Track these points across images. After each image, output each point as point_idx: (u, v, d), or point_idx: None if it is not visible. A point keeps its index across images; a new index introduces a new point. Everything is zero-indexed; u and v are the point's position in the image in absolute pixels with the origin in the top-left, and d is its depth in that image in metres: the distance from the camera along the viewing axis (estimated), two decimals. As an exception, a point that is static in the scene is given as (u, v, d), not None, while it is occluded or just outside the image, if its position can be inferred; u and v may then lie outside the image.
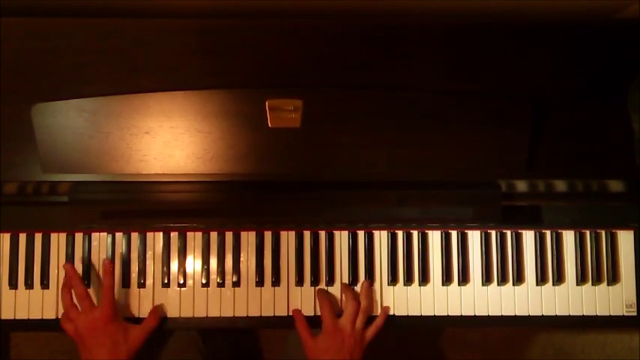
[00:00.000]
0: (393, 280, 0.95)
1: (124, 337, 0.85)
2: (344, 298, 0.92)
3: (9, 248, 0.93)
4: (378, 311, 0.93)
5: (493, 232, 0.96)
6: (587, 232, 0.96)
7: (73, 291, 0.87)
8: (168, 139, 0.82)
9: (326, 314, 0.88)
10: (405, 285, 0.95)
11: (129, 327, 0.87)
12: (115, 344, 0.84)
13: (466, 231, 0.96)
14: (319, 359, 0.86)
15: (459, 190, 0.88)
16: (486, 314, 0.95)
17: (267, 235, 0.95)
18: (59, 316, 0.91)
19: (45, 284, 0.93)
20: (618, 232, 0.96)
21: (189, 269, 0.94)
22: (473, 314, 0.94)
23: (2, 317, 0.92)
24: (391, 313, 0.94)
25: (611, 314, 0.95)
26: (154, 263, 0.94)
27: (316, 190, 0.88)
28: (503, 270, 0.95)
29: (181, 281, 0.93)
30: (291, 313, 0.92)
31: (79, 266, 0.93)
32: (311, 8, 0.90)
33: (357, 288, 0.94)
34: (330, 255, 0.95)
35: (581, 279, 0.95)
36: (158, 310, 0.91)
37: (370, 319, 0.91)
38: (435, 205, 0.89)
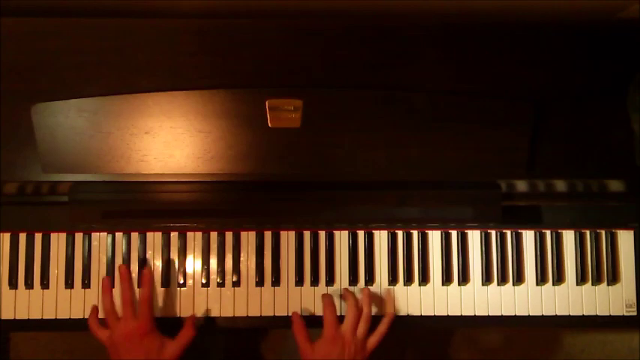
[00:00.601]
0: (393, 280, 0.95)
1: (159, 352, 0.83)
2: (346, 304, 0.90)
3: (9, 248, 0.93)
4: (383, 312, 0.92)
5: (493, 232, 0.96)
6: (587, 232, 0.96)
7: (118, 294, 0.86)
8: (169, 139, 0.82)
9: (329, 319, 0.86)
10: (405, 285, 0.95)
11: (165, 342, 0.84)
12: (149, 357, 0.82)
13: (466, 231, 0.96)
14: None
15: (459, 190, 0.88)
16: (486, 314, 0.94)
17: (267, 235, 0.95)
18: (58, 316, 0.92)
19: (45, 284, 0.93)
20: (618, 232, 0.96)
21: (189, 269, 0.94)
22: (473, 314, 0.94)
23: (2, 317, 0.92)
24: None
25: (611, 314, 0.95)
26: (154, 263, 0.94)
27: (316, 190, 0.88)
28: (503, 270, 0.95)
29: (181, 281, 0.93)
30: (290, 314, 0.92)
31: (79, 266, 0.93)
32: (311, 8, 0.90)
33: (357, 288, 0.94)
34: (330, 255, 0.95)
35: (581, 279, 0.95)
36: (194, 319, 0.88)
37: (373, 320, 0.90)
38: (435, 205, 0.89)
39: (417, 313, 0.94)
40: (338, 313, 0.88)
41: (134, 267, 0.93)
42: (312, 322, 0.91)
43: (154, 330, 0.84)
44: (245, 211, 0.90)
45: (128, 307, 0.85)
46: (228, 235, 0.95)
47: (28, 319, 0.92)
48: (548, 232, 0.96)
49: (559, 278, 0.95)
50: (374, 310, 0.92)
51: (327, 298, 0.89)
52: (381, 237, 0.96)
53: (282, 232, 0.95)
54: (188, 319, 0.88)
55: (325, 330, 0.86)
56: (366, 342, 0.86)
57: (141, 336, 0.83)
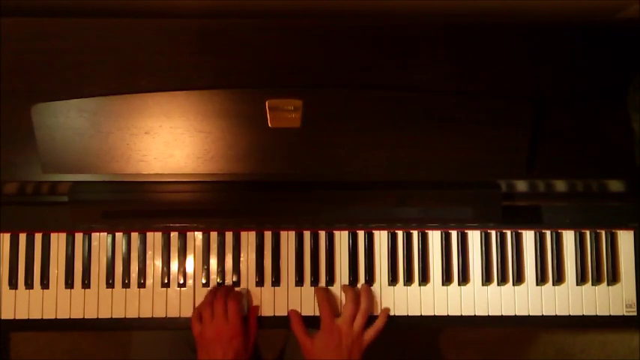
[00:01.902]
0: (393, 280, 0.95)
1: (245, 352, 0.87)
2: (344, 298, 0.92)
3: (9, 248, 0.94)
4: (379, 312, 0.93)
5: (493, 232, 0.96)
6: (587, 232, 0.96)
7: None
8: (169, 139, 0.82)
9: (325, 312, 0.88)
10: (405, 285, 0.95)
11: (249, 339, 0.89)
12: (237, 356, 0.85)
13: (466, 231, 0.96)
14: (314, 356, 0.86)
15: (459, 190, 0.88)
16: (486, 314, 0.95)
17: (267, 235, 0.95)
18: (58, 316, 0.92)
19: (45, 284, 0.93)
20: (618, 232, 0.96)
21: (189, 269, 0.94)
22: (473, 314, 0.94)
23: (2, 317, 0.92)
24: (391, 313, 0.94)
25: (611, 314, 0.95)
26: (153, 263, 0.94)
27: (316, 190, 0.88)
28: (503, 270, 0.95)
29: (181, 281, 0.94)
30: (300, 315, 0.92)
31: (79, 266, 0.93)
32: (311, 8, 0.90)
33: (358, 288, 0.94)
34: (330, 255, 0.95)
35: (581, 279, 0.95)
36: (256, 313, 0.93)
37: (371, 319, 0.91)
38: (435, 205, 0.89)
39: (417, 313, 0.94)
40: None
41: (134, 267, 0.94)
42: (313, 322, 0.91)
43: (241, 333, 0.87)
44: (245, 211, 0.90)
45: (221, 309, 0.87)
46: (228, 235, 0.95)
47: (28, 319, 0.92)
48: (548, 232, 0.96)
49: (559, 278, 0.95)
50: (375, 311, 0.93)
51: (320, 292, 0.91)
52: (381, 237, 0.96)
53: (282, 232, 0.95)
54: (252, 315, 0.91)
55: (322, 323, 0.88)
56: (362, 335, 0.88)
57: (230, 338, 0.85)
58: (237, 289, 0.94)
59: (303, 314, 0.93)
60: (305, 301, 0.94)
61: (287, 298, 0.94)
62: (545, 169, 0.86)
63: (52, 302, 0.93)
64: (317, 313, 0.92)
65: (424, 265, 0.95)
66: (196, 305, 0.92)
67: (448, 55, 0.85)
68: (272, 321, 0.93)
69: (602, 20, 0.91)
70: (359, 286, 0.94)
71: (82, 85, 0.83)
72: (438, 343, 1.39)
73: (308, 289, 0.94)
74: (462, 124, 0.83)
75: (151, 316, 0.92)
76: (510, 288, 0.95)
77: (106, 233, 0.94)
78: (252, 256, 0.94)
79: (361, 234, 0.95)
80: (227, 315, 0.87)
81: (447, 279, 0.95)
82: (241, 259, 0.95)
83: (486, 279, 0.95)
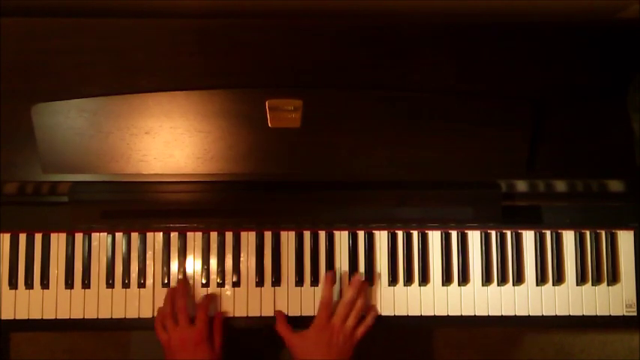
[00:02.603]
0: (393, 280, 0.94)
1: (212, 351, 0.87)
2: (342, 295, 0.91)
3: (9, 248, 0.93)
4: (378, 310, 0.93)
5: (493, 232, 0.96)
6: (587, 232, 0.96)
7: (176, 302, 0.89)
8: (169, 139, 0.82)
9: (323, 313, 0.88)
10: (405, 285, 0.95)
11: (215, 348, 0.88)
12: None
13: (466, 231, 0.96)
14: (303, 352, 0.86)
15: (459, 190, 0.88)
16: (486, 314, 0.94)
17: (267, 235, 0.95)
18: (58, 316, 0.92)
19: (45, 284, 0.93)
20: (618, 232, 0.96)
21: (189, 269, 0.94)
22: (473, 314, 0.94)
23: (2, 317, 0.92)
24: (391, 313, 0.94)
25: (611, 314, 0.95)
26: (154, 263, 0.94)
27: (316, 190, 0.88)
28: (503, 270, 0.95)
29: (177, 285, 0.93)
30: (291, 314, 0.92)
31: (78, 266, 0.93)
32: (311, 8, 0.90)
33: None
34: (330, 255, 0.95)
35: (581, 279, 0.95)
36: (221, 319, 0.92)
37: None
38: (435, 205, 0.89)
39: (417, 313, 0.94)
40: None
41: (134, 267, 0.94)
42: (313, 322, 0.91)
43: (207, 339, 0.87)
44: (245, 211, 0.90)
45: (184, 317, 0.87)
46: (228, 235, 0.95)
47: (28, 319, 0.92)
48: (548, 232, 0.96)
49: (559, 278, 0.95)
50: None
51: (327, 295, 0.90)
52: (381, 237, 0.96)
53: (282, 232, 0.95)
54: (217, 321, 0.91)
55: (316, 320, 0.88)
56: (354, 332, 0.88)
57: (196, 344, 0.86)
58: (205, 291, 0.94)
59: (303, 314, 0.93)
60: (305, 301, 0.93)
61: (287, 299, 0.93)
62: (545, 169, 0.86)
63: (52, 302, 0.93)
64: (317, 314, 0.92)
65: (424, 265, 0.95)
66: (194, 306, 0.92)
67: (448, 55, 0.85)
68: (272, 321, 0.93)
69: (602, 20, 0.91)
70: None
71: (82, 85, 0.83)
72: (438, 343, 1.39)
73: (308, 289, 0.94)
74: (461, 124, 0.83)
75: (151, 316, 0.92)
76: (510, 288, 0.95)
77: (106, 233, 0.94)
78: (252, 256, 0.94)
79: (361, 234, 0.95)
80: (191, 322, 0.87)
81: (447, 279, 0.95)
82: (241, 259, 0.94)
83: (486, 279, 0.95)
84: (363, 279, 0.92)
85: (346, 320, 0.88)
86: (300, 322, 0.92)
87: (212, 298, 0.93)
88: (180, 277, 0.94)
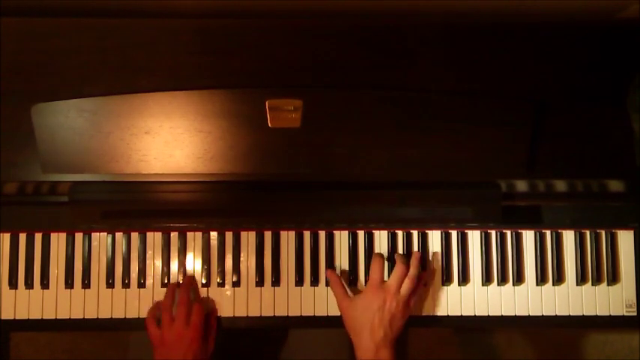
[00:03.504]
0: (393, 280, 0.94)
1: (205, 349, 0.87)
2: (396, 262, 0.89)
3: (9, 248, 0.93)
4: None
5: (493, 232, 0.96)
6: (587, 232, 0.96)
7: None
8: (169, 139, 0.82)
9: (375, 273, 0.86)
10: (405, 285, 0.95)
11: (208, 344, 0.89)
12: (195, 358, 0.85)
13: (466, 231, 0.96)
14: (354, 315, 0.84)
15: (459, 190, 0.88)
16: (486, 314, 0.94)
17: (267, 235, 0.95)
18: (58, 316, 0.92)
19: (45, 284, 0.93)
20: (618, 232, 0.96)
21: (189, 269, 0.94)
22: (473, 314, 0.94)
23: (2, 317, 0.92)
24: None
25: (611, 314, 0.95)
26: (153, 263, 0.94)
27: (316, 190, 0.88)
28: (503, 270, 0.95)
29: (181, 281, 0.93)
30: (291, 314, 0.92)
31: (78, 266, 0.93)
32: (311, 8, 0.90)
33: (358, 289, 0.94)
34: (330, 255, 0.95)
35: (581, 279, 0.95)
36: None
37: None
38: (435, 205, 0.89)
39: (417, 314, 0.94)
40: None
41: (134, 267, 0.94)
42: (313, 322, 0.91)
43: (202, 337, 0.87)
44: (245, 211, 0.90)
45: (183, 315, 0.87)
46: (228, 235, 0.95)
47: (28, 319, 0.92)
48: (548, 232, 0.96)
49: (559, 278, 0.95)
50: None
51: (378, 256, 0.89)
52: (381, 237, 0.96)
53: (282, 232, 0.95)
54: (212, 321, 0.91)
55: (370, 282, 0.87)
56: (409, 300, 0.86)
57: (191, 341, 0.85)
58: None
59: (303, 314, 0.93)
60: (305, 302, 0.93)
61: (287, 299, 0.94)
62: (545, 169, 0.86)
63: (52, 302, 0.93)
64: (317, 313, 0.92)
65: (424, 265, 0.95)
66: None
67: (448, 55, 0.85)
68: (272, 321, 0.93)
69: (602, 20, 0.91)
70: (359, 286, 0.94)
71: (82, 85, 0.83)
72: (437, 343, 1.39)
73: (308, 289, 0.94)
74: (461, 124, 0.83)
75: (151, 316, 0.92)
76: (510, 288, 0.95)
77: (106, 233, 0.94)
78: (252, 256, 0.94)
79: (361, 234, 0.95)
80: (189, 319, 0.87)
81: (447, 279, 0.95)
82: (241, 259, 0.95)
83: (486, 279, 0.95)
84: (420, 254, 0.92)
85: (401, 285, 0.85)
86: (300, 322, 0.92)
87: (210, 299, 0.93)
88: (181, 277, 0.94)
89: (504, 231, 0.96)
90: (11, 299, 0.93)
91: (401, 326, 0.85)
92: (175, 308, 0.88)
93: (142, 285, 0.93)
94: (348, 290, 0.90)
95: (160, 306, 0.90)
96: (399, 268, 0.87)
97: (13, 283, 0.93)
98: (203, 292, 0.94)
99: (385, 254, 0.95)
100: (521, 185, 0.91)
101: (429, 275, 0.94)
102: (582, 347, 1.39)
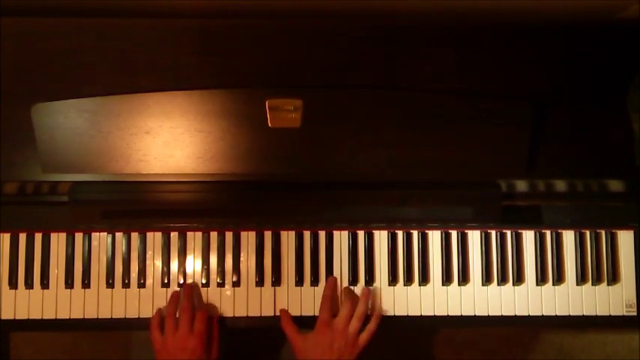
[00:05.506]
0: (393, 280, 0.94)
1: (208, 354, 0.87)
2: (342, 299, 0.91)
3: (9, 248, 0.93)
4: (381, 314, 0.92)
5: (493, 232, 0.96)
6: (587, 232, 0.96)
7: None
8: (169, 139, 0.82)
9: (324, 310, 0.88)
10: (405, 285, 0.95)
11: (211, 353, 0.88)
12: None
13: (466, 231, 0.96)
14: (306, 352, 0.86)
15: (459, 190, 0.88)
16: (486, 314, 0.94)
17: (267, 235, 0.95)
18: (58, 316, 0.92)
19: (45, 284, 0.93)
20: (618, 232, 0.96)
21: (189, 269, 0.94)
22: (473, 314, 0.94)
23: (2, 317, 0.92)
24: (391, 313, 0.94)
25: (611, 314, 0.95)
26: (153, 263, 0.94)
27: (316, 190, 0.88)
28: (503, 270, 0.95)
29: (181, 281, 0.93)
30: (291, 314, 0.92)
31: (79, 266, 0.93)
32: (311, 8, 0.90)
33: (357, 289, 0.94)
34: (330, 255, 0.95)
35: (581, 279, 0.95)
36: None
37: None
38: (435, 205, 0.89)
39: (417, 313, 0.94)
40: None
41: (134, 267, 0.94)
42: (313, 322, 0.91)
43: (205, 346, 0.87)
44: (245, 211, 0.90)
45: (186, 323, 0.87)
46: (228, 235, 0.95)
47: (28, 319, 0.92)
48: (548, 232, 0.96)
49: (559, 278, 0.95)
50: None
51: (328, 290, 0.90)
52: (381, 237, 0.96)
53: (282, 232, 0.95)
54: (215, 330, 0.90)
55: (318, 320, 0.88)
56: (357, 339, 0.87)
57: (193, 349, 0.85)
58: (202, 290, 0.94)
59: (303, 314, 0.92)
60: (305, 301, 0.93)
61: (287, 299, 0.93)
62: (545, 169, 0.86)
63: (52, 302, 0.93)
64: (317, 313, 0.92)
65: (424, 265, 0.95)
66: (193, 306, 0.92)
67: (448, 56, 0.85)
68: (272, 321, 0.93)
69: (602, 20, 0.91)
70: (359, 286, 0.94)
71: (82, 85, 0.83)
72: (438, 343, 1.39)
73: (308, 289, 0.94)
74: (462, 124, 0.83)
75: (150, 316, 0.92)
76: (510, 288, 0.95)
77: (106, 233, 0.94)
78: (252, 256, 0.94)
79: (361, 234, 0.95)
80: (192, 326, 0.87)
81: (447, 279, 0.95)
82: (241, 259, 0.94)
83: (486, 279, 0.95)
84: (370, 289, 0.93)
85: (349, 323, 0.87)
86: (300, 322, 0.92)
87: (211, 304, 0.93)
88: (181, 277, 0.94)
89: (504, 231, 0.96)
90: (11, 299, 0.93)
91: None
92: (179, 315, 0.88)
93: (141, 285, 0.93)
94: (298, 329, 0.90)
95: (164, 312, 0.90)
96: (345, 305, 0.88)
97: (13, 283, 0.93)
98: (203, 291, 0.94)
99: (385, 254, 0.95)
100: (521, 185, 0.91)
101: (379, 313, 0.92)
102: (582, 347, 1.39)
